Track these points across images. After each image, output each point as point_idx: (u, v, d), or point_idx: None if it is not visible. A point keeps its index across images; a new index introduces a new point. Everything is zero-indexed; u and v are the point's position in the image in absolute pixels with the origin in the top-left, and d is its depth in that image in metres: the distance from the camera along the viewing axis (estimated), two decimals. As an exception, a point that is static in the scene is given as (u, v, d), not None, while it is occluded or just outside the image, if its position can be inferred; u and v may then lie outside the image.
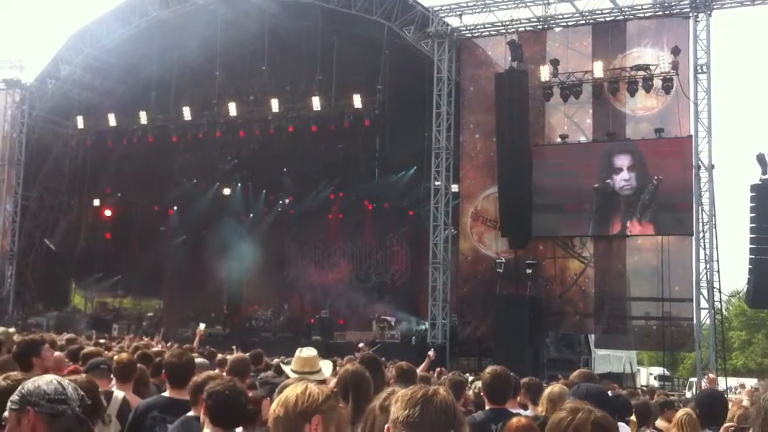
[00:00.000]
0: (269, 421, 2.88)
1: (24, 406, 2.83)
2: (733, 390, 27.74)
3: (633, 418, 7.15)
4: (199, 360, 7.96)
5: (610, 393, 6.49)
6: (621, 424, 5.35)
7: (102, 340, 13.47)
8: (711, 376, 13.39)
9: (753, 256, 21.83)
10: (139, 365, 6.78)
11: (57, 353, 7.64)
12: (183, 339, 22.22)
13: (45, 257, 33.31)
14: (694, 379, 26.57)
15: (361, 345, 19.15)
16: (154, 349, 11.11)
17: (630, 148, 23.47)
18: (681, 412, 6.61)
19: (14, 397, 2.87)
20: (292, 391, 2.82)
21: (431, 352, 12.19)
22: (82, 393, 2.99)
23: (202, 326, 14.65)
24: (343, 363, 9.38)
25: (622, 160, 23.41)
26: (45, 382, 2.91)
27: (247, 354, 9.88)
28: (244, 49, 28.55)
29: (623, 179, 23.25)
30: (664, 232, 23.00)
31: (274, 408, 2.83)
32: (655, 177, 22.64)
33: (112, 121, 31.20)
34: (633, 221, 23.20)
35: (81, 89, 32.39)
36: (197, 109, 30.01)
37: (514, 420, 3.77)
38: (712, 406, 5.60)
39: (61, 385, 2.91)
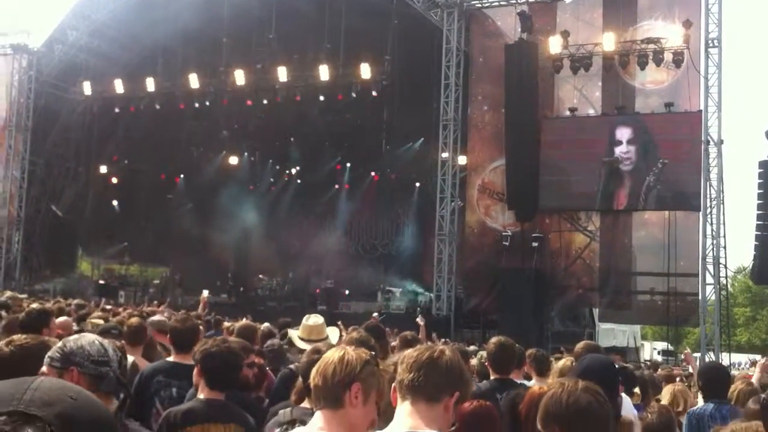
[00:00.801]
0: (312, 390, 2.88)
1: (67, 365, 2.81)
2: (737, 366, 27.78)
3: (637, 390, 7.17)
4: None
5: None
6: (625, 396, 5.36)
7: (108, 307, 13.53)
8: (686, 351, 13.43)
9: (759, 233, 21.78)
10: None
11: (63, 318, 7.69)
12: (188, 306, 22.30)
13: (52, 223, 33.40)
14: (698, 355, 26.61)
15: (375, 315, 19.18)
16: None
17: (632, 121, 23.34)
18: (672, 387, 6.64)
19: (55, 354, 2.84)
20: (330, 359, 2.81)
21: (419, 319, 12.26)
22: (120, 355, 2.99)
23: (205, 293, 14.69)
24: (348, 332, 9.42)
25: (623, 133, 23.32)
26: (88, 342, 2.89)
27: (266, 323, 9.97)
28: (251, 16, 28.32)
29: (622, 152, 23.18)
30: (667, 208, 22.94)
31: (313, 376, 2.83)
32: (661, 160, 22.54)
33: (119, 87, 31.08)
34: (638, 201, 23.16)
35: (88, 55, 32.24)
36: (204, 77, 29.87)
37: (536, 388, 3.78)
38: (716, 378, 5.62)
39: (103, 346, 2.91)
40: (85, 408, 1.12)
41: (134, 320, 6.76)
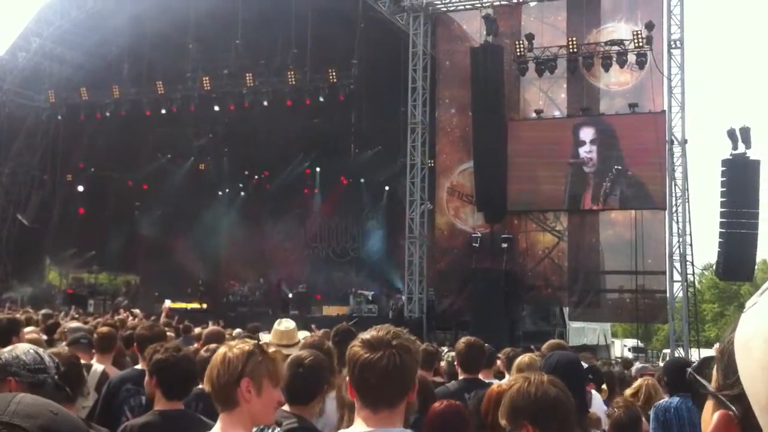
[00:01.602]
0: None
1: (4, 375, 2.85)
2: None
3: (604, 386, 7.27)
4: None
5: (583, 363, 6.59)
6: (594, 393, 5.46)
7: (76, 316, 13.42)
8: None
9: (723, 230, 22.16)
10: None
11: (30, 328, 7.63)
12: (157, 315, 22.12)
13: (18, 233, 32.96)
14: (667, 351, 26.96)
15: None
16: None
17: (595, 122, 23.63)
18: (643, 381, 6.75)
19: None
20: (214, 362, 2.86)
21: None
22: (57, 360, 3.01)
23: (167, 302, 14.70)
24: (319, 335, 9.44)
25: (586, 133, 23.61)
26: (23, 351, 2.95)
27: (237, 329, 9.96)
28: (217, 22, 28.20)
29: (585, 152, 23.46)
30: (633, 207, 23.24)
31: (205, 384, 2.89)
32: (616, 166, 22.87)
33: (84, 94, 30.82)
34: (598, 205, 23.49)
35: (52, 62, 31.90)
36: (171, 83, 29.72)
37: (494, 387, 3.83)
38: (681, 373, 5.72)
39: (38, 354, 2.96)
40: (64, 422, 1.18)
41: (104, 328, 6.75)
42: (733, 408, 0.92)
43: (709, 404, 0.98)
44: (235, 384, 2.77)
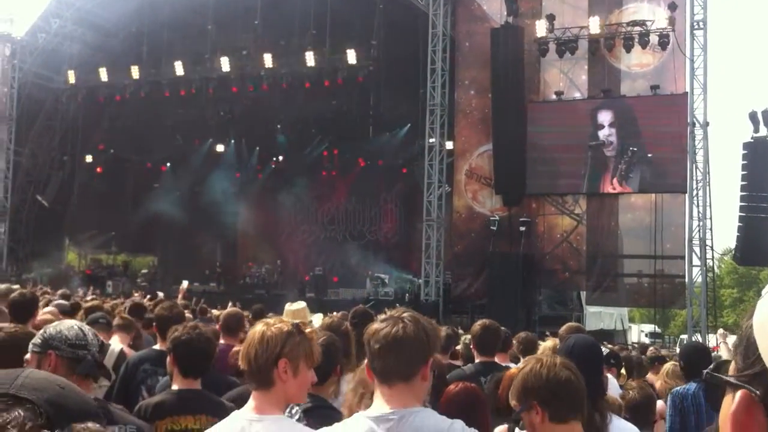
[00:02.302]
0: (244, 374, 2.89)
1: (46, 349, 2.92)
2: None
3: (623, 371, 7.23)
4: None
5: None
6: (610, 377, 5.41)
7: (93, 296, 13.51)
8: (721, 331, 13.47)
9: (743, 214, 21.95)
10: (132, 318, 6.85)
11: (50, 308, 7.67)
12: (175, 296, 22.26)
13: (38, 214, 33.25)
14: (684, 336, 26.80)
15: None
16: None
17: (613, 105, 23.42)
18: (668, 364, 6.69)
19: (36, 340, 2.97)
20: (251, 340, 2.83)
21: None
22: (102, 339, 3.06)
23: (185, 283, 14.76)
24: (337, 317, 9.44)
25: (604, 116, 23.44)
26: (66, 327, 3.00)
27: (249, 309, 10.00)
28: (236, 3, 28.18)
29: (604, 135, 23.29)
30: (653, 191, 23.07)
31: (241, 361, 2.85)
32: (630, 149, 22.66)
33: (103, 75, 30.94)
34: (618, 186, 23.31)
35: (72, 43, 31.99)
36: (189, 64, 29.77)
37: (514, 370, 3.81)
38: (697, 359, 5.66)
39: (82, 330, 3.02)
40: (71, 396, 1.21)
41: (124, 311, 6.81)
42: (752, 388, 0.93)
43: (727, 398, 0.98)
44: (273, 364, 2.76)
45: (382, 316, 2.55)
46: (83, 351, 2.93)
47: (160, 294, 17.08)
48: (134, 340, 6.62)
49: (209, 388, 4.14)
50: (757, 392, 0.92)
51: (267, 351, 2.76)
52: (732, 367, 0.99)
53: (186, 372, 4.00)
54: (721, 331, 7.53)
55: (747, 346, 0.95)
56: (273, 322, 2.90)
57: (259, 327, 2.88)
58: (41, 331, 3.00)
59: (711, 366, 1.06)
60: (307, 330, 2.89)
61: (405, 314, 2.51)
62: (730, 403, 0.95)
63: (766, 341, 0.91)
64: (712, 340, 22.28)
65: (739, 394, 0.94)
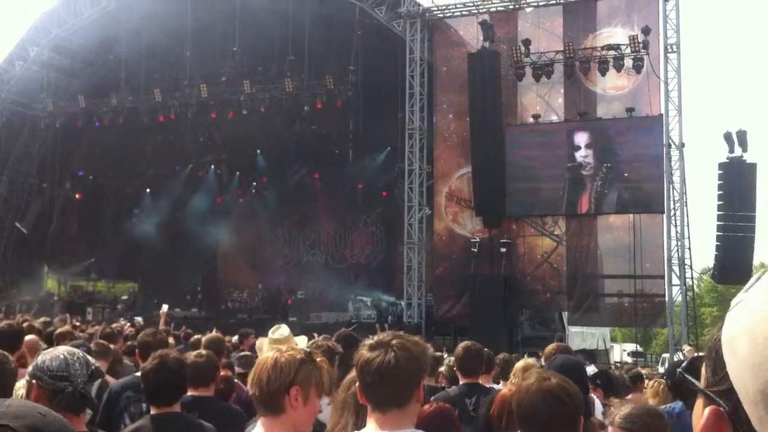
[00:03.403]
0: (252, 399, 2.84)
1: (31, 378, 2.94)
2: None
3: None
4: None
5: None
6: (594, 398, 5.47)
7: (77, 323, 13.42)
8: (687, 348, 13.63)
9: (720, 233, 22.20)
10: (112, 346, 6.82)
11: (31, 336, 7.63)
12: (155, 322, 22.13)
13: (17, 241, 32.95)
14: (666, 355, 26.93)
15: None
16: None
17: (589, 127, 23.68)
18: (657, 383, 6.74)
19: (29, 368, 2.99)
20: (263, 365, 2.79)
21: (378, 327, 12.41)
22: (94, 366, 3.03)
23: (164, 307, 14.58)
24: (319, 341, 9.44)
25: (581, 138, 23.72)
26: (51, 357, 2.98)
27: (236, 335, 9.96)
28: (214, 29, 28.30)
29: (581, 156, 23.54)
30: (631, 211, 23.27)
31: (250, 385, 2.81)
32: (605, 165, 22.92)
33: (82, 102, 30.84)
34: (591, 205, 23.53)
35: (50, 71, 31.94)
36: (168, 91, 29.77)
37: (506, 391, 3.85)
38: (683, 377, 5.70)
39: (67, 361, 2.97)
40: (52, 423, 1.22)
41: (99, 341, 6.79)
42: (723, 403, 0.93)
43: (699, 402, 0.99)
44: (284, 391, 2.72)
45: (370, 342, 2.53)
46: (64, 383, 2.90)
47: (138, 319, 16.93)
48: (114, 366, 6.57)
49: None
50: (726, 408, 0.92)
51: (280, 377, 2.73)
52: (702, 375, 0.99)
53: (156, 402, 4.02)
54: (687, 348, 7.54)
55: (716, 360, 0.95)
56: (285, 349, 2.89)
57: (271, 353, 2.85)
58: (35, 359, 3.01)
59: (684, 364, 1.08)
60: (318, 359, 2.87)
61: (394, 341, 2.48)
62: (701, 409, 0.97)
63: (734, 359, 0.91)
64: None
65: (708, 409, 0.95)
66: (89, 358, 3.16)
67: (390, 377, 2.41)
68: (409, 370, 2.44)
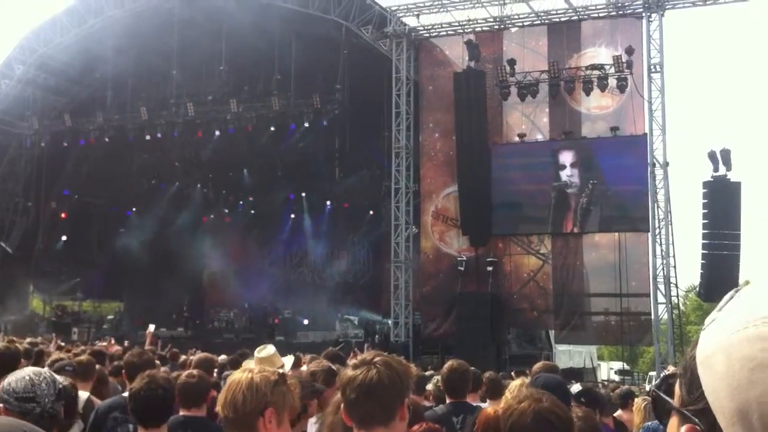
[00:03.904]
0: (222, 421, 2.75)
1: None
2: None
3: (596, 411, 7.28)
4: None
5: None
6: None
7: (62, 344, 13.32)
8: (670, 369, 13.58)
9: (705, 252, 22.33)
10: (98, 366, 6.78)
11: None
12: (141, 342, 22.00)
13: (2, 260, 32.70)
14: (653, 373, 26.99)
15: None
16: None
17: (575, 146, 23.84)
18: (642, 401, 6.77)
19: None
20: (236, 386, 2.69)
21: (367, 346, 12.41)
22: (62, 385, 2.99)
23: (151, 327, 14.53)
24: (307, 361, 9.43)
25: (566, 157, 23.86)
26: (17, 378, 2.93)
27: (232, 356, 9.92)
28: (201, 49, 28.35)
29: (567, 175, 23.68)
30: (616, 230, 23.37)
31: (222, 407, 2.70)
32: (591, 181, 23.06)
33: (67, 121, 30.77)
34: (577, 223, 23.62)
35: (35, 89, 31.90)
36: (154, 109, 29.77)
37: (490, 410, 3.86)
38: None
39: (32, 382, 2.93)
40: None
41: (83, 357, 6.73)
42: (698, 423, 0.94)
43: (673, 421, 1.00)
44: (259, 413, 2.63)
45: (354, 362, 2.55)
46: (31, 404, 2.87)
47: (152, 326, 16.77)
48: (101, 387, 6.53)
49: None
50: (703, 427, 0.93)
51: (255, 399, 2.63)
52: (676, 394, 1.00)
53: (143, 423, 4.00)
54: (671, 368, 7.49)
55: (691, 380, 0.96)
56: (259, 369, 2.79)
57: (244, 374, 2.74)
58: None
59: (657, 382, 1.09)
60: (290, 381, 2.82)
61: (377, 359, 2.49)
62: (676, 428, 0.98)
63: (710, 378, 0.91)
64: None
65: (684, 428, 0.95)
66: (56, 376, 3.13)
67: (373, 394, 2.41)
68: (392, 387, 2.44)
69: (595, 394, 6.49)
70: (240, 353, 9.97)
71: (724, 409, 0.89)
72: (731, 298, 0.98)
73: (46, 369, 3.22)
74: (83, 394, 5.89)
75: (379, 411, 2.45)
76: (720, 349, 0.91)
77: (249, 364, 6.44)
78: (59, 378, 3.14)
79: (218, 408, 2.77)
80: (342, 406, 2.54)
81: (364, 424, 2.45)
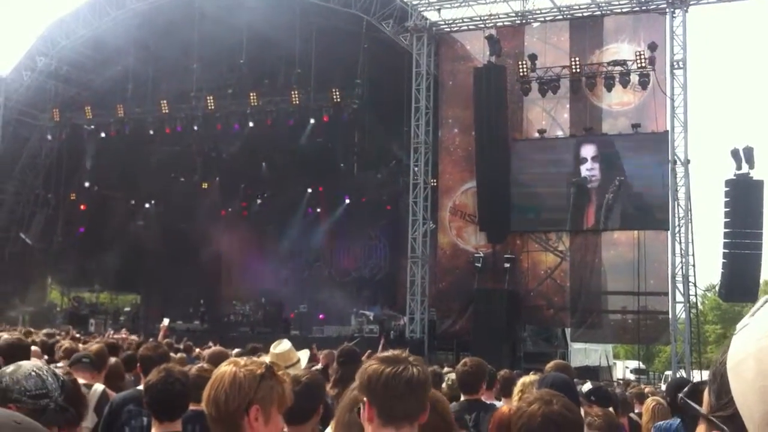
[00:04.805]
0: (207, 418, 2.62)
1: (5, 402, 2.71)
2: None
3: (611, 409, 7.20)
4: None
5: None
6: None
7: (78, 335, 13.40)
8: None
9: (727, 251, 22.13)
10: (113, 359, 6.78)
11: (33, 348, 7.61)
12: (156, 334, 22.11)
13: (21, 251, 33.00)
14: (669, 373, 26.81)
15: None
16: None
17: (596, 140, 23.68)
18: (651, 401, 6.70)
19: None
20: (219, 382, 2.57)
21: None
22: (63, 378, 2.93)
23: (166, 321, 14.55)
24: (322, 355, 9.45)
25: (588, 150, 23.70)
26: (24, 375, 2.81)
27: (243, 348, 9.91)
28: (221, 42, 28.39)
29: (587, 169, 23.54)
30: (637, 228, 23.21)
31: (205, 404, 2.59)
32: (618, 177, 22.89)
33: (88, 113, 30.98)
34: (600, 219, 23.47)
35: (57, 81, 32.13)
36: (175, 102, 29.88)
37: (505, 408, 3.81)
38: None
39: (41, 377, 2.83)
40: (28, 430, 1.22)
41: (94, 347, 6.73)
42: (726, 429, 0.92)
43: (701, 428, 0.98)
44: (243, 411, 2.51)
45: (383, 356, 2.48)
46: (44, 400, 2.75)
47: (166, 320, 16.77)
48: (115, 381, 6.51)
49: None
50: None
51: (239, 396, 2.51)
52: (705, 400, 0.98)
53: (159, 417, 3.95)
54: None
55: (720, 385, 0.94)
56: (243, 362, 2.64)
57: (228, 368, 2.60)
58: None
59: (686, 389, 1.06)
60: (280, 372, 2.66)
61: (410, 357, 2.46)
62: None
63: (740, 384, 0.90)
64: (696, 375, 22.33)
65: None
66: (55, 369, 3.08)
67: (416, 390, 2.39)
68: (428, 384, 2.44)
69: (605, 393, 6.42)
70: (251, 347, 9.95)
71: (753, 414, 0.87)
72: (765, 302, 0.93)
73: (42, 362, 3.14)
74: (98, 387, 5.90)
75: (417, 408, 2.42)
76: (750, 355, 0.89)
77: (264, 359, 6.42)
78: (58, 371, 3.09)
79: (203, 405, 2.63)
80: (365, 402, 2.44)
81: (399, 421, 2.40)
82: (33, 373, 2.84)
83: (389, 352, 2.50)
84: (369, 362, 2.48)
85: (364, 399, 2.42)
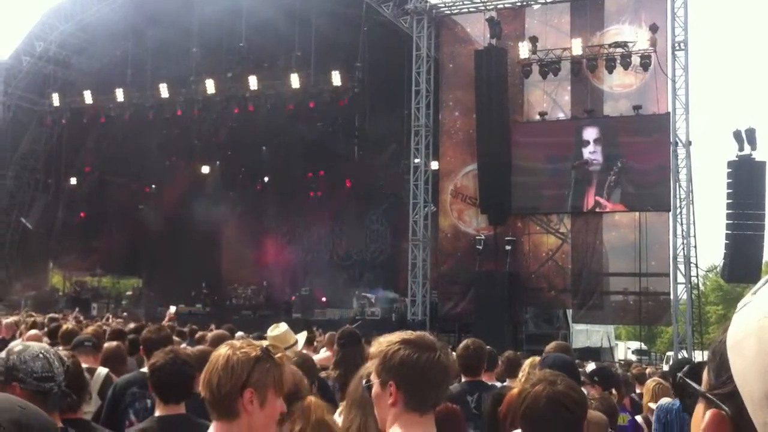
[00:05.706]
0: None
1: (10, 381, 2.75)
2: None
3: (613, 390, 7.25)
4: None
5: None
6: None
7: (81, 319, 13.45)
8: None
9: (729, 232, 22.16)
10: (116, 342, 6.81)
11: (34, 331, 7.64)
12: (159, 318, 22.18)
13: (22, 236, 33.04)
14: (671, 353, 26.91)
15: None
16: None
17: (598, 123, 23.64)
18: (652, 382, 6.74)
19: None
20: (213, 365, 2.52)
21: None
22: (68, 363, 2.92)
23: (172, 308, 14.62)
24: (323, 338, 9.47)
25: (589, 133, 23.67)
26: (32, 356, 2.81)
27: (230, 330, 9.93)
28: (221, 25, 28.24)
29: (589, 152, 23.52)
30: (638, 209, 23.22)
31: (201, 388, 2.56)
32: (620, 159, 22.86)
33: (88, 98, 30.90)
34: (602, 199, 23.47)
35: (56, 66, 32.03)
36: (174, 87, 29.79)
37: (516, 391, 3.85)
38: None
39: (48, 360, 2.82)
40: (33, 416, 1.23)
41: (90, 329, 6.76)
42: (725, 407, 0.92)
43: (699, 407, 0.98)
44: (237, 394, 2.46)
45: (407, 337, 2.34)
46: (49, 383, 2.76)
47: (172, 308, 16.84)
48: (117, 365, 6.50)
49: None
50: (729, 412, 0.92)
51: (232, 379, 2.46)
52: (704, 379, 0.99)
53: (165, 399, 3.92)
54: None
55: (720, 363, 0.94)
56: (239, 345, 2.59)
57: (223, 350, 2.55)
58: (2, 357, 2.81)
59: (685, 369, 1.07)
60: (278, 355, 2.57)
61: (436, 342, 2.35)
62: (702, 414, 0.96)
63: (740, 362, 0.90)
64: (698, 356, 22.41)
65: (709, 413, 0.94)
66: (60, 353, 3.07)
67: (449, 379, 2.37)
68: (454, 368, 2.43)
69: (609, 373, 6.46)
70: (256, 336, 9.97)
71: (753, 393, 0.87)
72: (766, 282, 0.93)
73: (46, 345, 3.13)
74: (102, 371, 5.93)
75: (444, 395, 2.40)
76: (751, 333, 0.89)
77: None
78: (63, 353, 3.09)
79: (199, 388, 2.60)
80: (390, 385, 2.30)
81: (423, 407, 2.32)
82: (41, 355, 2.83)
83: (410, 333, 2.38)
84: (392, 344, 2.32)
85: (390, 382, 2.29)
